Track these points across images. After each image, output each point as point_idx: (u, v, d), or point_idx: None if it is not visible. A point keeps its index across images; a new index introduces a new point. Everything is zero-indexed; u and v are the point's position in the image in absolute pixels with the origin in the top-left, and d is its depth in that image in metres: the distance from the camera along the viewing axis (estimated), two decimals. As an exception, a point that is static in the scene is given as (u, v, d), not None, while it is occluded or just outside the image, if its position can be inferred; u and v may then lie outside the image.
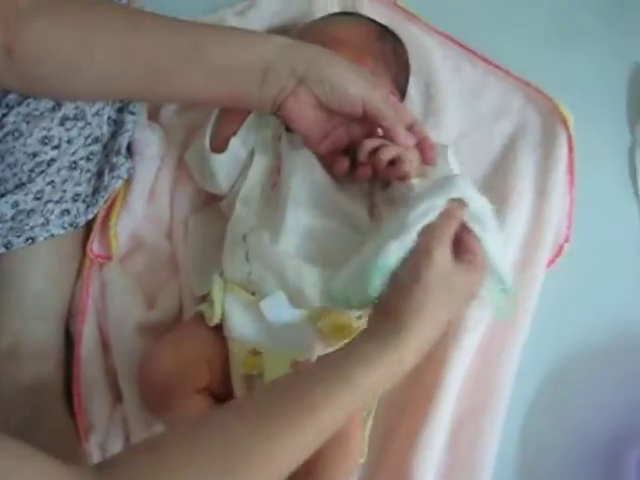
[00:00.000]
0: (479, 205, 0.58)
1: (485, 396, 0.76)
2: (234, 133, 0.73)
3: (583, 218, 0.85)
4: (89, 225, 0.78)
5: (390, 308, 0.54)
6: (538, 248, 0.82)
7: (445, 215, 0.56)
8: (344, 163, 0.68)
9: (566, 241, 0.84)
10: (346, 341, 0.67)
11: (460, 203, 0.56)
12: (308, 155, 0.70)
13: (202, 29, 0.63)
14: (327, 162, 0.69)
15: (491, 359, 0.77)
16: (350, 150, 0.69)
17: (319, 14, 0.86)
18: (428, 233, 0.55)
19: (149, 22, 0.61)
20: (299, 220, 0.67)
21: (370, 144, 0.65)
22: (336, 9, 0.90)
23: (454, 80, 0.91)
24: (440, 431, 0.72)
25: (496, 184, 0.85)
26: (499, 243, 0.60)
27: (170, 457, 0.46)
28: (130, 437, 0.71)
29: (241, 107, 0.71)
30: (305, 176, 0.68)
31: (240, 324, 0.67)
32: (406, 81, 0.84)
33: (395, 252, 0.55)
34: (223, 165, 0.73)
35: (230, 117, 0.73)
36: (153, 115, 0.83)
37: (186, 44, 0.61)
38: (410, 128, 0.66)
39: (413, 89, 0.89)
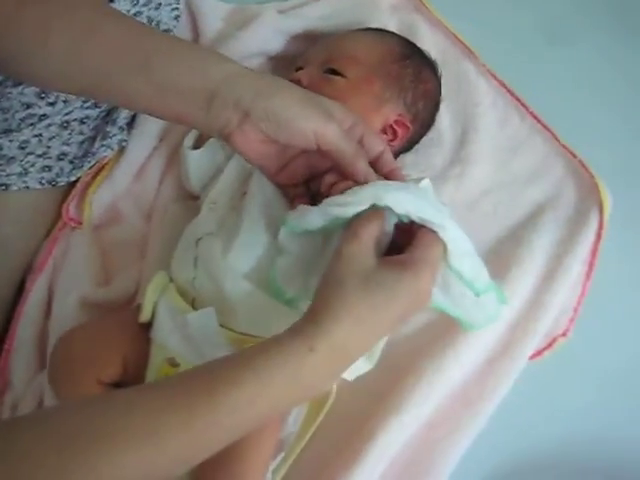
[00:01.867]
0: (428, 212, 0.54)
1: (416, 477, 0.69)
2: None
3: (590, 314, 0.75)
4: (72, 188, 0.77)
5: (311, 306, 0.52)
6: (527, 334, 0.73)
7: (365, 216, 0.53)
8: (303, 202, 0.61)
9: (563, 335, 0.75)
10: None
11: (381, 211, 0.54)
12: None
13: (158, 43, 0.59)
14: (287, 195, 0.64)
15: (435, 440, 0.70)
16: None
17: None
18: (345, 231, 0.53)
19: (110, 25, 0.58)
20: (252, 237, 0.63)
21: (329, 179, 0.59)
22: (392, 28, 0.84)
23: (497, 132, 0.84)
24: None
25: (504, 251, 0.77)
26: (465, 241, 0.56)
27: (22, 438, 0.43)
28: (43, 405, 0.69)
29: (190, 127, 0.68)
30: (265, 192, 0.64)
31: (166, 329, 0.64)
32: (429, 111, 0.78)
33: (299, 222, 0.56)
34: (196, 161, 0.71)
35: None
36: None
37: (139, 57, 0.58)
38: (378, 159, 0.61)
39: (448, 130, 0.82)
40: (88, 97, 0.71)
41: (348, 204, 0.55)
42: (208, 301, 0.63)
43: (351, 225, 0.54)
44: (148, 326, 0.65)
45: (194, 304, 0.65)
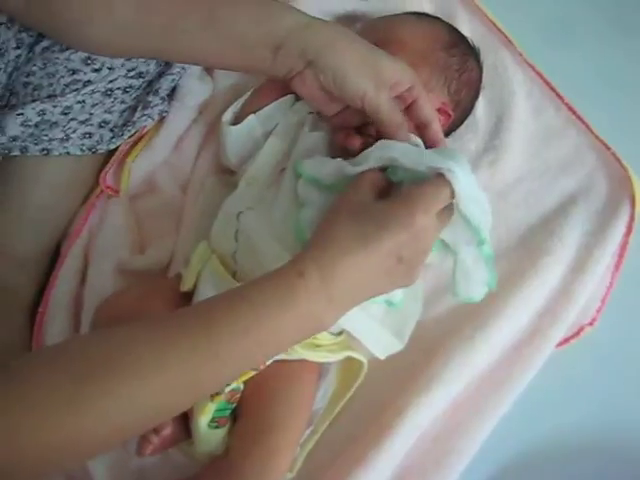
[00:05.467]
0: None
1: (441, 456, 0.70)
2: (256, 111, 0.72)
3: (617, 305, 0.76)
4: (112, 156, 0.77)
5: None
6: (555, 322, 0.74)
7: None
8: (354, 142, 0.64)
9: (591, 324, 0.76)
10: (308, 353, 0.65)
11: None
12: (317, 139, 0.67)
13: None
14: (339, 142, 0.66)
15: (460, 420, 0.71)
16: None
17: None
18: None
19: None
20: (291, 212, 0.64)
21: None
22: (429, 12, 0.84)
23: (531, 121, 0.84)
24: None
25: (535, 241, 0.78)
26: (474, 187, 0.57)
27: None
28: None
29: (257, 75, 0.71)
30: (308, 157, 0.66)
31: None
32: (470, 99, 0.78)
33: (311, 170, 0.60)
34: (234, 137, 0.71)
35: (260, 97, 0.72)
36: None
37: (204, 10, 0.60)
38: (426, 127, 0.64)
39: (483, 118, 0.83)
40: (157, 58, 0.72)
41: (356, 164, 0.58)
42: (249, 274, 0.64)
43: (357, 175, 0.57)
44: (188, 295, 0.66)
45: (235, 277, 0.65)
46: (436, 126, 0.64)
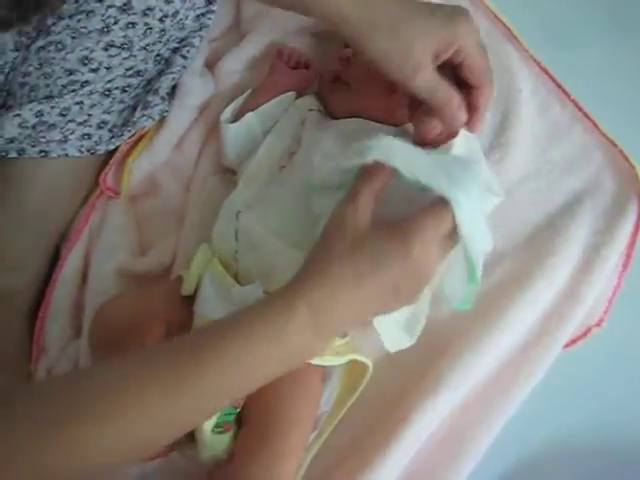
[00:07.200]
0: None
1: (448, 460, 0.69)
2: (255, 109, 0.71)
3: (625, 306, 0.75)
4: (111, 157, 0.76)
5: (302, 264, 0.52)
6: (561, 323, 0.73)
7: (367, 174, 0.53)
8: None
9: (598, 325, 0.75)
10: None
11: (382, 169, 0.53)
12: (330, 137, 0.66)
13: None
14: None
15: (467, 423, 0.70)
16: None
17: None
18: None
19: None
20: (292, 208, 0.64)
21: None
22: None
23: (537, 118, 0.83)
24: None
25: (542, 240, 0.76)
26: (477, 214, 0.53)
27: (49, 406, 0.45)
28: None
29: None
30: (306, 164, 0.65)
31: (210, 302, 0.63)
32: None
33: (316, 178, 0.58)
34: (232, 135, 0.71)
35: (259, 95, 0.72)
36: (212, 65, 0.81)
37: None
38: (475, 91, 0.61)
39: (488, 115, 0.81)
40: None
41: (352, 156, 0.54)
42: (251, 273, 0.63)
43: (354, 184, 0.53)
44: (190, 298, 0.65)
45: (237, 278, 0.64)
46: (483, 92, 0.61)
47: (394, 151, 0.52)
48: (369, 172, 0.53)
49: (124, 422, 0.45)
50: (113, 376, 0.47)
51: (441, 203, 0.51)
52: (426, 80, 0.58)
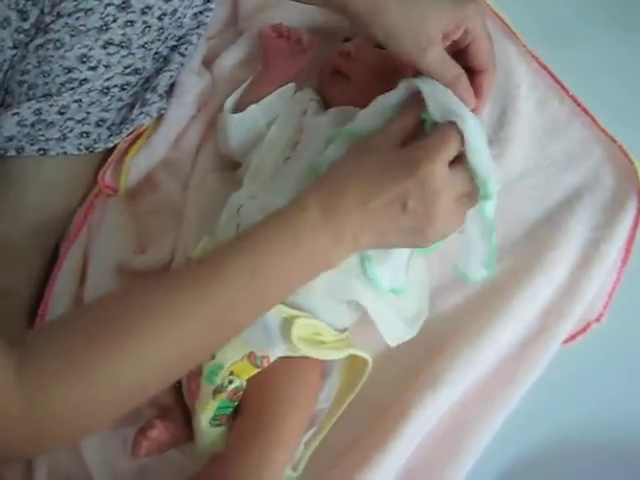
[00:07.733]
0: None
1: (447, 456, 0.69)
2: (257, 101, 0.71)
3: (624, 300, 0.75)
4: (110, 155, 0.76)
5: None
6: (561, 318, 0.73)
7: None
8: None
9: (597, 320, 0.74)
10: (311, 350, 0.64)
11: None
12: (323, 123, 0.67)
13: None
14: None
15: (466, 419, 0.70)
16: None
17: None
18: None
19: None
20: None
21: None
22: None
23: (536, 114, 0.82)
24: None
25: (541, 235, 0.76)
26: (483, 139, 0.58)
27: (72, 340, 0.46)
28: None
29: None
30: (310, 155, 0.65)
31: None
32: None
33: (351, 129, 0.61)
34: (236, 125, 0.71)
35: (260, 86, 0.72)
36: (210, 62, 0.81)
37: None
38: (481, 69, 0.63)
39: (486, 110, 0.81)
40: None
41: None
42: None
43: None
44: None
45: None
46: (488, 76, 0.62)
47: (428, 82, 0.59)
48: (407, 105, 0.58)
49: (156, 341, 0.46)
50: (145, 294, 0.48)
51: (450, 125, 0.55)
52: (437, 56, 0.59)
